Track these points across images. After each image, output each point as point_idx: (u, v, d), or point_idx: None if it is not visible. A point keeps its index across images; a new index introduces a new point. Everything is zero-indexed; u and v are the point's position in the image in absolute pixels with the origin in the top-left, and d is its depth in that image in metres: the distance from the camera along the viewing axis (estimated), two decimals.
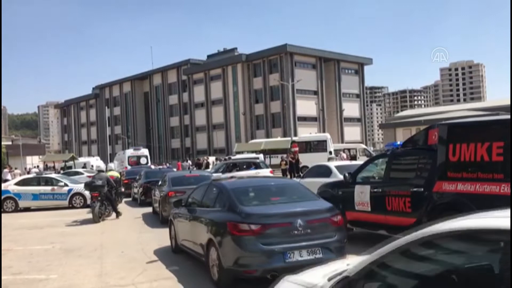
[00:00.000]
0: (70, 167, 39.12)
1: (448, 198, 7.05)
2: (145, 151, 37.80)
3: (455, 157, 6.92)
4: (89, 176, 26.56)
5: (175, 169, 33.64)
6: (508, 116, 6.82)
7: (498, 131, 6.57)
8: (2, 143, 47.29)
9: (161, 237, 10.36)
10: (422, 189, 7.46)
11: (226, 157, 36.33)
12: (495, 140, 6.39)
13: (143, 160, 36.05)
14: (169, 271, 7.57)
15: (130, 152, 37.48)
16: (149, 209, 16.59)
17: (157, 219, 14.26)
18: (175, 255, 8.80)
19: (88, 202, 18.52)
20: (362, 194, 8.78)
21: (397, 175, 8.44)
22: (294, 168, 28.59)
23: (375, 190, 8.48)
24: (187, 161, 43.79)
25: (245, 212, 6.44)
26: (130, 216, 15.86)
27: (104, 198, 14.81)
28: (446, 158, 7.08)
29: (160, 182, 15.60)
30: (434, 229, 2.42)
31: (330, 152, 32.14)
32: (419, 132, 8.38)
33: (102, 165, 17.37)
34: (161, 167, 34.78)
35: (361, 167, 9.53)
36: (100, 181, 14.89)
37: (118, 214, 15.25)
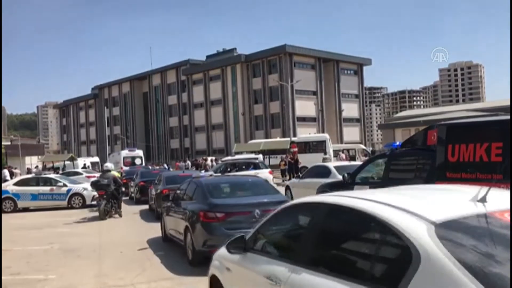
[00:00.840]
0: (58, 168, 39.37)
1: None
2: (139, 152, 38.29)
3: (454, 157, 6.91)
4: (87, 177, 27.01)
5: (171, 170, 33.76)
6: (508, 117, 6.82)
7: (497, 132, 6.59)
8: (2, 143, 47.25)
9: (156, 230, 11.48)
10: None
11: (212, 159, 36.70)
12: (494, 140, 6.39)
13: (137, 161, 36.58)
14: (169, 271, 7.60)
15: (125, 153, 38.10)
16: (145, 207, 17.58)
17: (153, 215, 15.13)
18: (164, 243, 10.17)
19: (87, 202, 18.80)
20: None
21: (396, 175, 8.45)
22: (293, 169, 28.61)
23: None
24: (185, 161, 43.83)
25: (213, 203, 7.87)
26: (128, 213, 16.48)
27: (110, 197, 15.28)
28: (445, 159, 7.07)
29: (156, 181, 16.72)
30: (293, 202, 3.82)
31: (325, 153, 31.82)
32: (418, 133, 8.38)
33: (110, 165, 17.84)
34: (157, 167, 34.50)
35: (360, 168, 9.53)
36: (106, 180, 15.46)
37: (119, 214, 15.62)
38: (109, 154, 52.06)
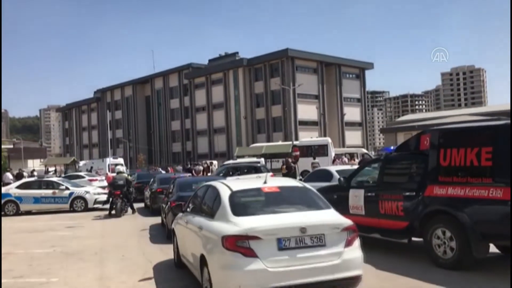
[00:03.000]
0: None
1: (439, 202, 7.20)
2: (121, 160, 42.98)
3: (446, 162, 7.11)
4: (90, 180, 27.57)
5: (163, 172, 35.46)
6: (497, 122, 7.01)
7: (487, 137, 6.75)
8: (4, 146, 47.45)
9: (150, 221, 14.83)
10: (414, 193, 7.63)
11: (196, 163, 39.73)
12: (484, 145, 6.58)
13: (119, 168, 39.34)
14: (172, 274, 7.61)
15: (110, 160, 41.93)
16: (141, 204, 19.92)
17: (148, 211, 17.85)
18: (161, 227, 13.43)
19: (89, 205, 18.96)
20: (356, 198, 8.88)
21: (390, 179, 8.59)
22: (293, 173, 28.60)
23: (369, 194, 8.60)
24: (187, 165, 44.18)
25: (180, 195, 11.32)
26: (128, 211, 17.97)
27: (124, 196, 17.14)
28: (437, 163, 7.27)
29: (150, 182, 19.41)
30: (202, 184, 7.69)
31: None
32: (411, 138, 8.57)
33: (122, 168, 20.71)
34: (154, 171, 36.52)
35: (356, 172, 9.66)
36: (121, 181, 17.32)
37: (133, 210, 17.70)
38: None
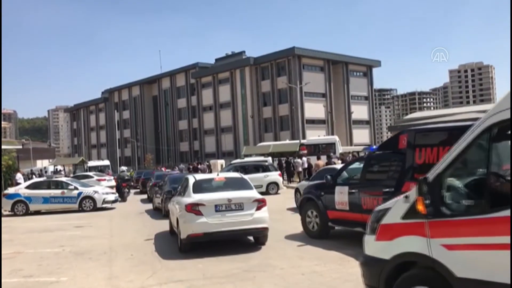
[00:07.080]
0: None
1: None
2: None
3: (421, 160, 7.63)
4: (98, 180, 28.21)
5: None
6: (467, 123, 7.30)
7: (458, 136, 6.84)
8: (13, 147, 47.81)
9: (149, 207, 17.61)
10: (393, 190, 7.97)
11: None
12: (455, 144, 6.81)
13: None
14: (180, 273, 7.63)
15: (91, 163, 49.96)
16: (144, 196, 25.70)
17: (148, 201, 22.85)
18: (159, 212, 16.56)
19: (98, 205, 19.17)
20: (341, 195, 9.37)
21: (371, 176, 9.16)
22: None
23: (353, 190, 9.07)
24: (197, 164, 44.76)
25: (173, 186, 14.13)
26: (135, 200, 23.79)
27: (128, 186, 24.56)
28: (413, 161, 7.79)
29: (151, 178, 24.89)
30: (184, 176, 12.53)
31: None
32: (391, 137, 9.26)
33: (125, 168, 27.36)
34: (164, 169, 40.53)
35: (342, 170, 10.23)
36: (127, 176, 25.69)
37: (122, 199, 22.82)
38: (119, 157, 53.42)
